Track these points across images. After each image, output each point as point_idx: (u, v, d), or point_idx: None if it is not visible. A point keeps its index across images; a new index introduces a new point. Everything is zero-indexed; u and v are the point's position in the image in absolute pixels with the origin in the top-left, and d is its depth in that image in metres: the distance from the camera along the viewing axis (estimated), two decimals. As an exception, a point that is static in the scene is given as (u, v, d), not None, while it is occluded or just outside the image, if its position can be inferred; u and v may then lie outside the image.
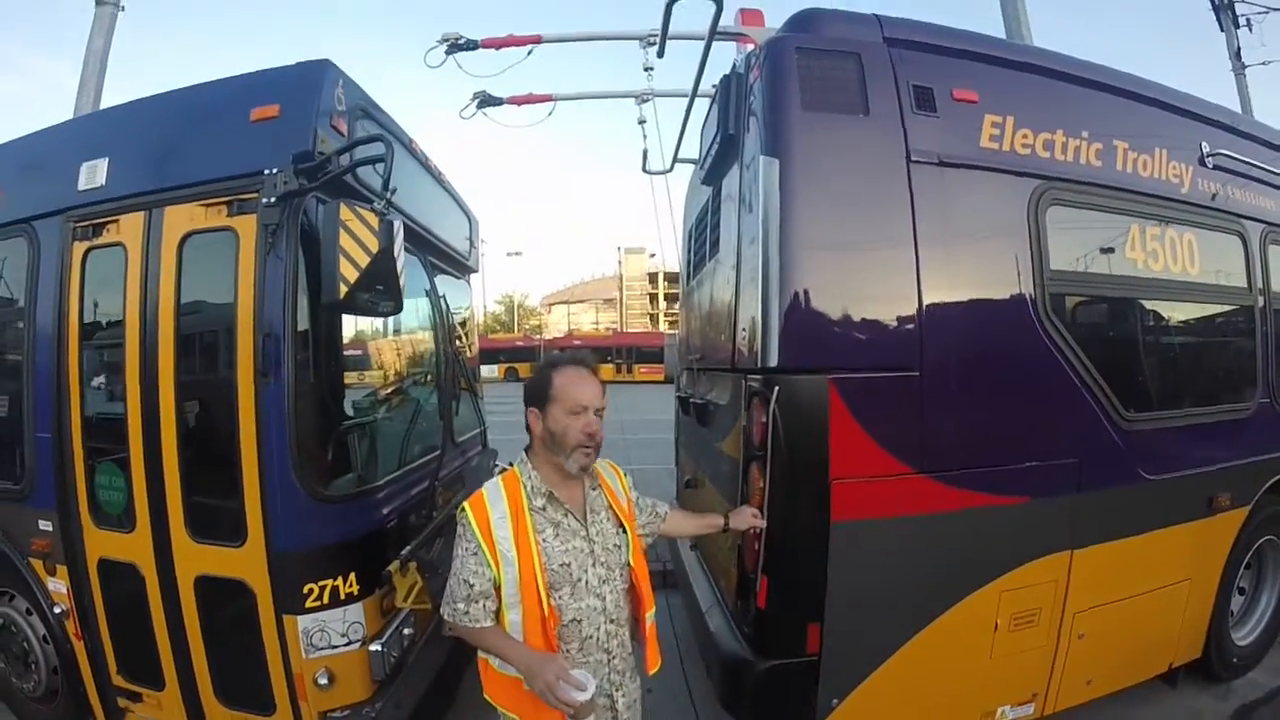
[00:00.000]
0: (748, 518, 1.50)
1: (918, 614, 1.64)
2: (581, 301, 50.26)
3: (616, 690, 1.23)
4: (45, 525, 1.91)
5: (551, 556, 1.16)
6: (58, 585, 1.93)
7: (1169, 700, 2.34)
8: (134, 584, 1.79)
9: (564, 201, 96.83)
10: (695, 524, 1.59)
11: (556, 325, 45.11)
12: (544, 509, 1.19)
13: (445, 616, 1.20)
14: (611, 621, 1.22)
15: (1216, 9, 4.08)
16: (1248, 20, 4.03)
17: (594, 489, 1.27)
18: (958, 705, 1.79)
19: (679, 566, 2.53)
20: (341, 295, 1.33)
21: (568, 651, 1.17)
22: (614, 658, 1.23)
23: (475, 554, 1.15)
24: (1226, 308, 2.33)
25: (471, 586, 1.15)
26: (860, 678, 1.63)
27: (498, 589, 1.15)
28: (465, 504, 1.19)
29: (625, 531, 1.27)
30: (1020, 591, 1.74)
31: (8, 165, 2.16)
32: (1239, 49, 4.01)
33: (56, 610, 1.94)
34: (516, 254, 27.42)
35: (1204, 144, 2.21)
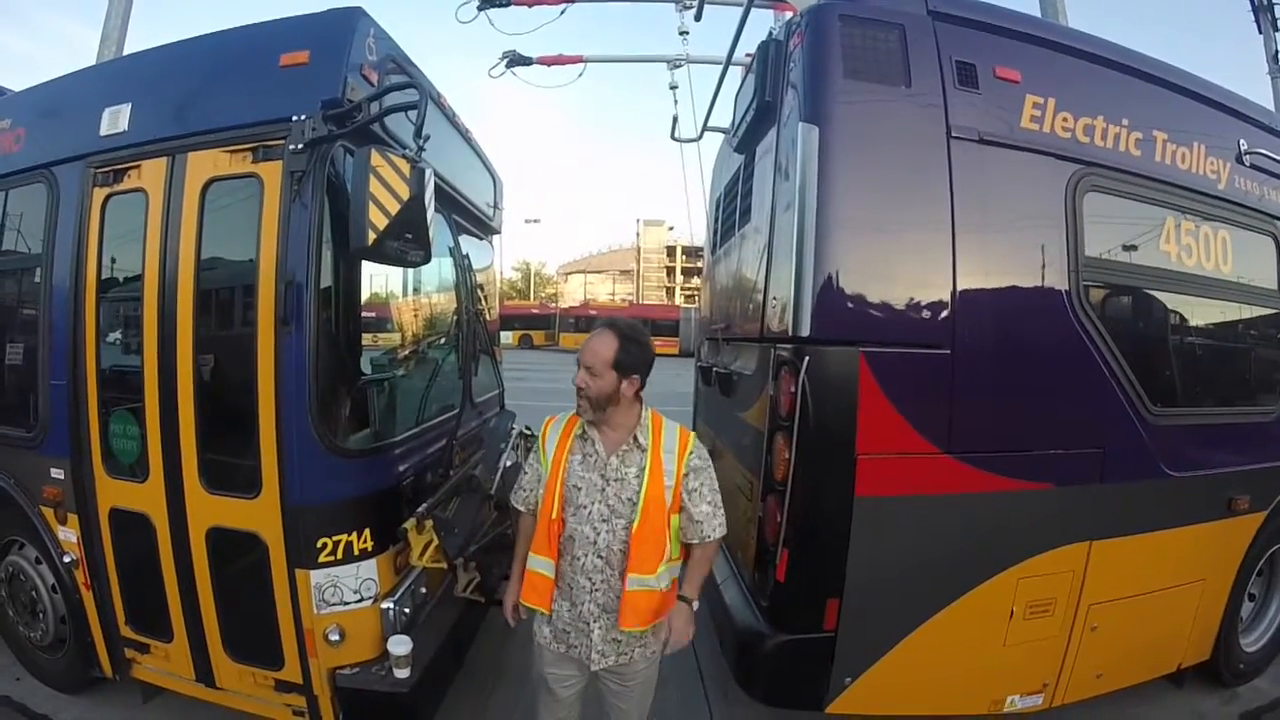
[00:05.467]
0: (677, 633, 1.34)
1: (936, 595, 1.62)
2: (598, 272, 49.94)
3: (594, 621, 1.34)
4: (57, 473, 1.89)
5: (571, 474, 1.36)
6: (68, 534, 1.92)
7: (1174, 701, 2.32)
8: (145, 534, 1.77)
9: (584, 172, 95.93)
10: (693, 574, 1.41)
11: (572, 294, 45.26)
12: (581, 437, 1.39)
13: (511, 500, 1.51)
14: (599, 557, 1.34)
15: (1255, 10, 4.01)
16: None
17: (635, 448, 1.35)
18: (969, 690, 1.78)
19: None
20: (370, 243, 1.31)
21: (563, 560, 1.37)
22: (595, 589, 1.34)
23: (535, 451, 1.45)
24: (1257, 309, 2.29)
25: (525, 474, 1.48)
26: (875, 657, 1.61)
27: (540, 486, 1.42)
28: (547, 418, 1.48)
29: (642, 488, 1.32)
30: (1037, 579, 1.72)
31: (28, 111, 2.13)
32: (1277, 52, 3.95)
33: (66, 559, 1.93)
34: (535, 221, 26.74)
35: (1242, 141, 2.16)
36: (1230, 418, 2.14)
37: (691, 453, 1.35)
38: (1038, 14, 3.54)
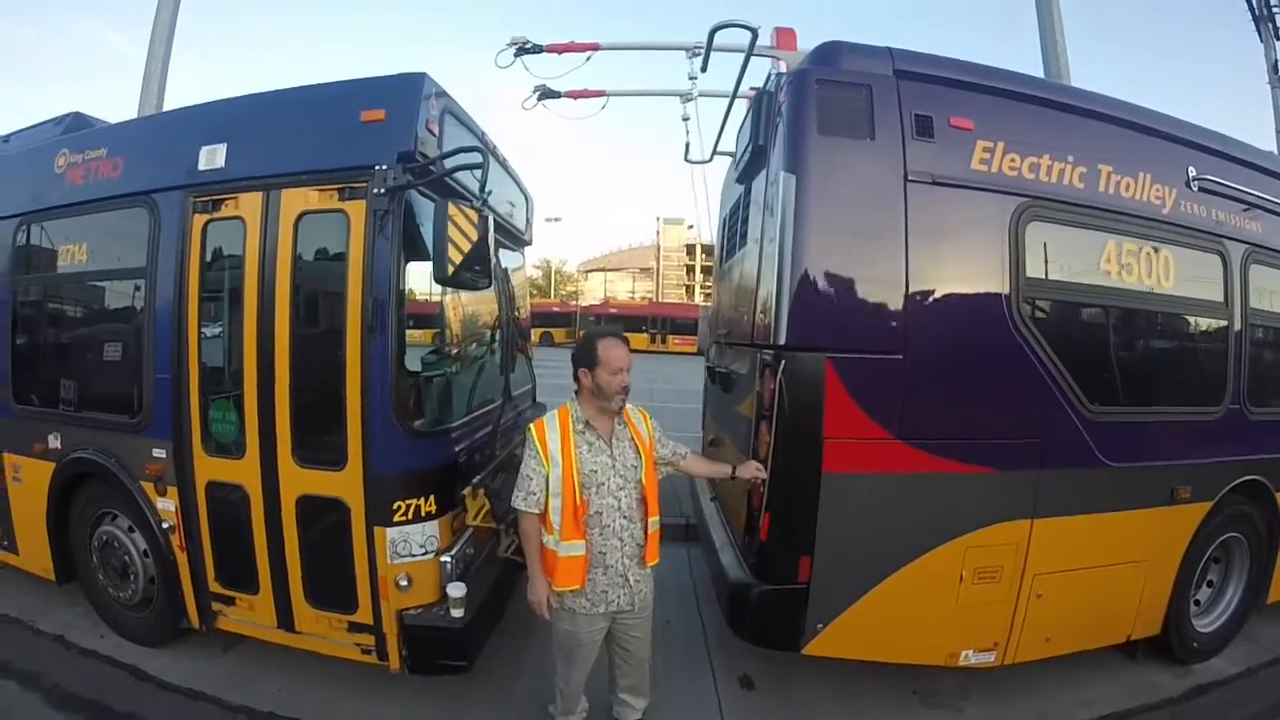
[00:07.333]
0: (752, 469, 2.08)
1: (892, 557, 2.18)
2: (618, 270, 53.08)
3: (629, 570, 1.91)
4: (159, 453, 2.50)
5: (584, 463, 1.85)
6: (166, 505, 2.53)
7: (1128, 672, 2.85)
8: (239, 503, 2.38)
9: (605, 170, 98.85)
10: (708, 467, 2.22)
11: (593, 292, 48.42)
12: (583, 432, 1.88)
13: (513, 504, 1.91)
14: (625, 517, 1.88)
15: (1256, 20, 4.50)
16: (1288, 34, 4.45)
17: (621, 425, 1.95)
18: (927, 642, 2.33)
19: (700, 518, 3.11)
20: (449, 274, 1.90)
21: (591, 535, 1.85)
22: (625, 544, 1.90)
23: (534, 456, 1.86)
24: (1200, 319, 2.80)
25: (529, 479, 1.86)
26: (843, 607, 2.18)
27: (548, 485, 1.84)
28: (530, 425, 1.90)
29: (641, 456, 1.93)
30: (984, 549, 2.27)
31: (124, 143, 2.75)
32: (1277, 61, 4.44)
33: (164, 526, 2.53)
34: (556, 219, 28.47)
35: (1191, 168, 2.67)
36: (1170, 416, 2.65)
37: (650, 418, 2.03)
38: (1040, 60, 4.07)
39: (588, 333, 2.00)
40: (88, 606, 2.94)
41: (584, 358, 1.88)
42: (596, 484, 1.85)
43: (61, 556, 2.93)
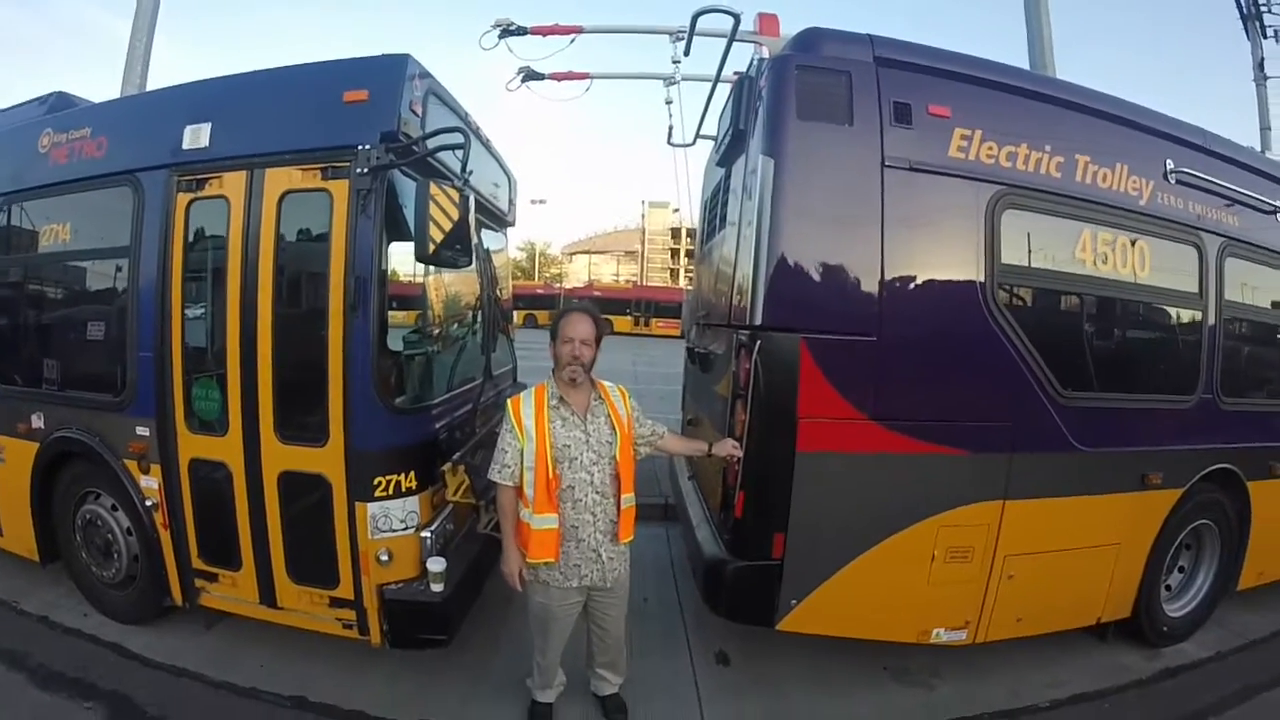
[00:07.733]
0: (728, 447, 2.14)
1: (865, 535, 2.25)
2: (603, 252, 53.53)
3: (600, 546, 1.97)
4: (142, 431, 2.54)
5: (558, 438, 1.92)
6: (150, 482, 2.57)
7: (1098, 653, 2.95)
8: (222, 480, 2.42)
9: (590, 152, 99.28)
10: (685, 445, 2.30)
11: (577, 275, 48.65)
12: (557, 407, 1.95)
13: (489, 476, 1.96)
14: (597, 492, 1.94)
15: (1244, 19, 4.58)
16: (1275, 32, 4.53)
17: (598, 401, 2.01)
18: (899, 619, 2.41)
19: (678, 497, 3.18)
20: (430, 252, 1.94)
21: (564, 509, 1.92)
22: (598, 519, 1.95)
23: (510, 430, 1.94)
24: (1174, 309, 2.88)
25: (505, 453, 1.94)
26: (816, 584, 2.25)
27: (522, 459, 1.91)
28: (508, 400, 1.97)
29: (617, 434, 1.98)
30: (955, 529, 2.34)
31: (107, 123, 2.76)
32: (1263, 59, 4.53)
33: (148, 503, 2.57)
34: (540, 201, 28.48)
35: (1169, 161, 2.75)
36: (1143, 403, 2.74)
37: (630, 398, 2.09)
38: (1026, 51, 4.13)
39: (563, 305, 2.11)
40: (71, 586, 2.98)
41: (551, 329, 2.03)
42: (569, 458, 1.92)
43: (45, 537, 2.96)
